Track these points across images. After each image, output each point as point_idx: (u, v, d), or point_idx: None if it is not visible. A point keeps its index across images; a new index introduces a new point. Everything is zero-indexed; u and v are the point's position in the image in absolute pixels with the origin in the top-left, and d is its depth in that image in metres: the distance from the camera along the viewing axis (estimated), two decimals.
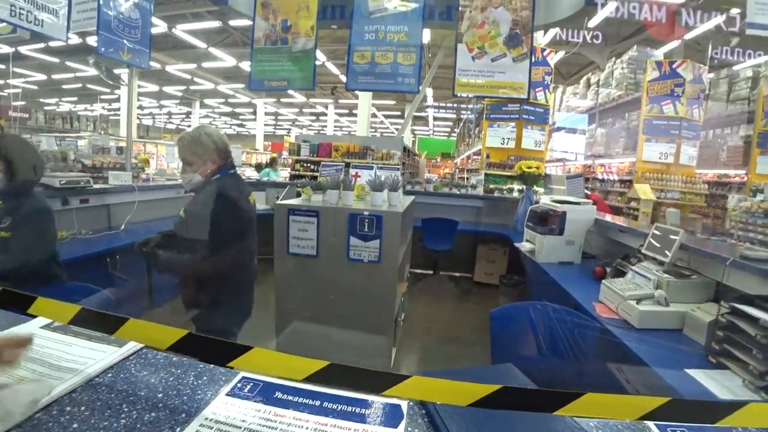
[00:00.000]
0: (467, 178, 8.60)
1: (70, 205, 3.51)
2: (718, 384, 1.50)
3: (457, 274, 5.75)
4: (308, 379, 0.45)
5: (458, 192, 6.09)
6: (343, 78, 14.23)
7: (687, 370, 1.59)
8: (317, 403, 0.52)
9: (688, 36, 7.43)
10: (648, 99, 7.47)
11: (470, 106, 13.41)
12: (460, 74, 3.59)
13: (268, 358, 0.46)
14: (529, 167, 4.97)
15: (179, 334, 0.49)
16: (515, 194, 5.77)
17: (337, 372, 0.45)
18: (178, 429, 0.47)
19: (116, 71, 5.56)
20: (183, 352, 0.51)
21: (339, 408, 0.51)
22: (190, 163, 1.88)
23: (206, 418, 0.48)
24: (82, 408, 0.50)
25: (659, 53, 8.44)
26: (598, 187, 9.06)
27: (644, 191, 6.80)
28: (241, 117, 25.87)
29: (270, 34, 3.85)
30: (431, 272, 5.48)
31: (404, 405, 0.52)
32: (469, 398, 0.43)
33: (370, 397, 0.54)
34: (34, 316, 0.70)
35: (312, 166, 7.68)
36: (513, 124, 7.80)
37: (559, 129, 10.75)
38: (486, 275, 5.52)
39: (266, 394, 0.54)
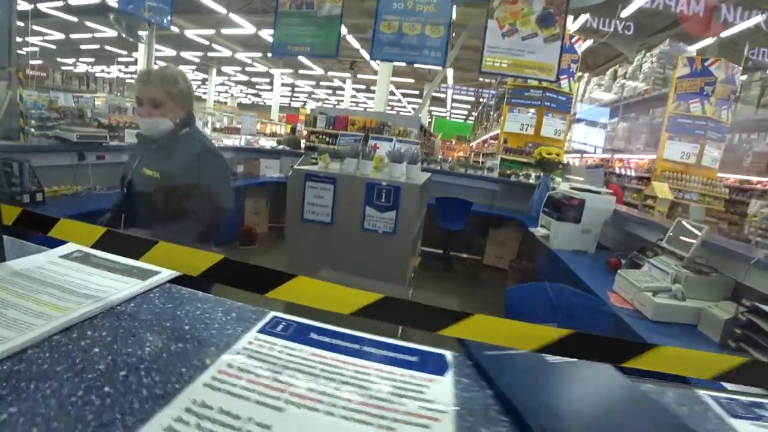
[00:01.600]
0: (482, 162, 8.47)
1: (86, 160, 3.52)
2: None
3: (466, 256, 5.72)
4: (359, 313, 0.40)
5: (473, 173, 5.98)
6: (364, 53, 14.04)
7: None
8: (357, 346, 0.48)
9: (725, 34, 7.10)
10: (675, 96, 7.25)
11: (491, 92, 13.10)
12: (488, 52, 3.48)
13: (315, 288, 0.42)
14: (549, 153, 4.86)
15: (215, 259, 0.45)
16: (532, 180, 5.67)
17: (391, 306, 0.40)
18: (208, 360, 0.43)
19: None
20: (218, 280, 0.46)
21: (380, 353, 0.48)
22: (160, 104, 1.63)
23: (238, 353, 0.45)
24: (104, 333, 0.47)
25: (692, 49, 8.13)
26: (615, 181, 8.90)
27: (662, 190, 6.66)
28: (257, 87, 25.69)
29: None
30: (441, 251, 5.44)
31: (448, 355, 0.49)
32: (534, 343, 0.38)
33: (410, 345, 0.50)
34: (55, 246, 0.67)
35: (328, 138, 7.54)
36: (534, 110, 7.64)
37: (579, 120, 10.52)
38: (496, 258, 5.48)
39: (301, 334, 0.50)
